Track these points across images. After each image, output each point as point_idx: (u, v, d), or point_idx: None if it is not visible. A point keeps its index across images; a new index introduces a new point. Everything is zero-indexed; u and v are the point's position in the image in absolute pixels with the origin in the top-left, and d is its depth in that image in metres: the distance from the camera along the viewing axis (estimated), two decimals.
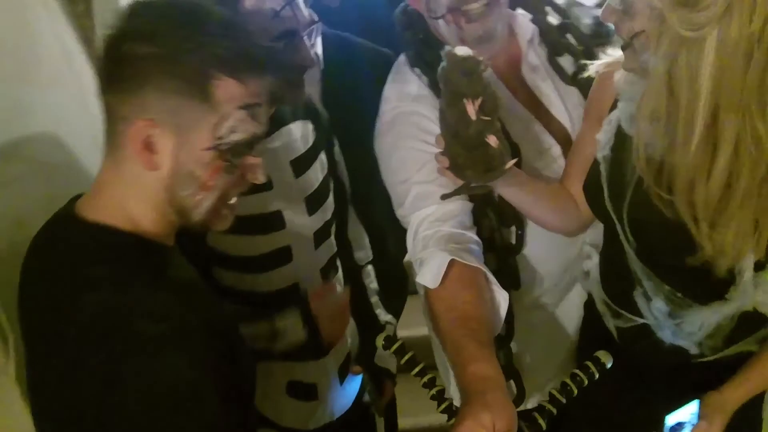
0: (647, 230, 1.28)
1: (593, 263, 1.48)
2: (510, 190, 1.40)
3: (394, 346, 1.33)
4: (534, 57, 1.55)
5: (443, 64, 1.25)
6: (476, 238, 1.46)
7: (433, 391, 1.26)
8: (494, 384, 1.15)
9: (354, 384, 1.74)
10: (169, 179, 1.00)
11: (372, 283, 1.81)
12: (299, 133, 1.53)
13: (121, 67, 0.98)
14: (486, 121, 1.21)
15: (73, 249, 1.02)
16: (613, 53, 1.34)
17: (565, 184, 1.47)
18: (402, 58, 1.57)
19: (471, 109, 1.19)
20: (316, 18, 1.37)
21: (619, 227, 1.31)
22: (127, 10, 1.01)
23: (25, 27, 1.43)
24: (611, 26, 1.28)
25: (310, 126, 1.56)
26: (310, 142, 1.55)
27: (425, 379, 1.28)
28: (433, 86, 1.46)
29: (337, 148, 1.67)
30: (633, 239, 1.30)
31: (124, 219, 1.02)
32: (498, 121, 1.26)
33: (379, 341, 1.36)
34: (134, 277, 0.99)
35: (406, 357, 1.32)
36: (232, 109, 1.00)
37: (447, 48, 1.26)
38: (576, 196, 1.45)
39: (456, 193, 1.35)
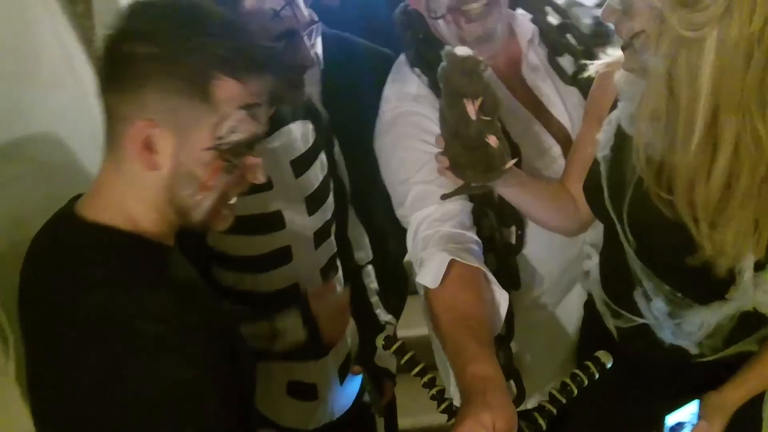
0: (647, 230, 1.28)
1: (593, 263, 1.48)
2: (510, 190, 1.40)
3: (394, 346, 1.33)
4: (534, 57, 1.55)
5: (443, 64, 1.25)
6: (476, 238, 1.46)
7: (433, 391, 1.26)
8: (494, 384, 1.15)
9: (354, 384, 1.74)
10: (169, 179, 1.01)
11: (372, 283, 1.81)
12: (299, 133, 1.53)
13: (120, 67, 0.98)
14: (486, 121, 1.21)
15: (73, 249, 1.02)
16: (613, 53, 1.34)
17: (565, 183, 1.47)
18: (402, 58, 1.57)
19: (471, 109, 1.19)
20: (316, 18, 1.37)
21: (619, 227, 1.31)
22: (127, 9, 1.01)
23: (26, 27, 1.43)
24: (611, 26, 1.27)
25: (310, 126, 1.56)
26: (310, 142, 1.55)
27: (425, 378, 1.28)
28: (433, 86, 1.46)
29: (337, 148, 1.68)
30: (633, 239, 1.30)
31: (124, 219, 1.02)
32: (498, 121, 1.26)
33: (379, 341, 1.35)
34: (134, 277, 0.99)
35: (407, 357, 1.32)
36: (233, 109, 1.00)
37: (447, 48, 1.26)
38: (576, 195, 1.45)
39: (456, 193, 1.35)
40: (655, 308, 1.33)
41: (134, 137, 0.97)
